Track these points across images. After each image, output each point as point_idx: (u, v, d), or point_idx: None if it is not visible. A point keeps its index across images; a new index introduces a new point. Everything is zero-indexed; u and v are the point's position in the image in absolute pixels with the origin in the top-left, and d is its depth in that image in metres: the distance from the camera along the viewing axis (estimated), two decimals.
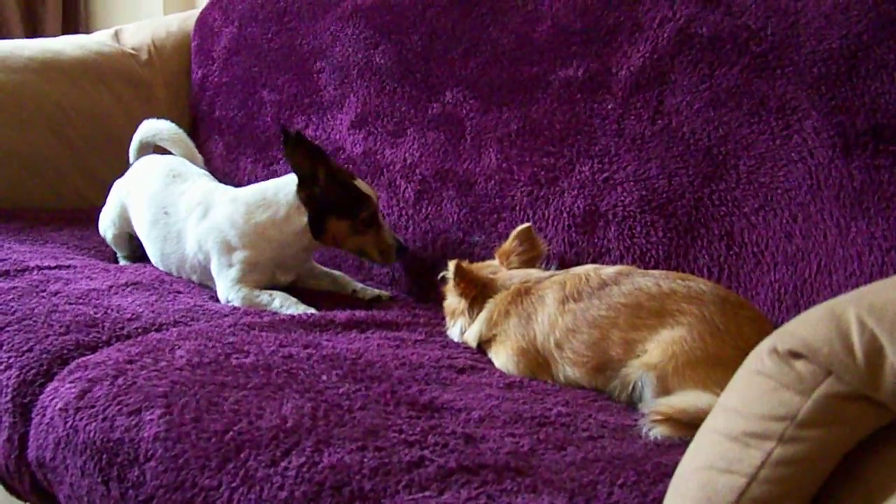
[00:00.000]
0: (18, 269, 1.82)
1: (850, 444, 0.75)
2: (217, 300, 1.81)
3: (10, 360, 1.46)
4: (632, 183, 1.66)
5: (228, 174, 2.46)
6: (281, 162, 2.37)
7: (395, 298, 1.89)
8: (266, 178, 2.30)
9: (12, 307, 1.61)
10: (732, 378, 0.80)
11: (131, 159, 2.25)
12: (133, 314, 1.61)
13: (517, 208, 1.83)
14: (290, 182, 1.79)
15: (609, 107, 1.73)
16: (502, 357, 1.49)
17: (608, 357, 1.35)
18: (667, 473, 0.90)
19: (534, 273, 1.54)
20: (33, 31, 3.81)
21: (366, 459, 1.06)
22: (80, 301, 1.65)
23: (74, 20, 3.98)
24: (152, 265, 2.01)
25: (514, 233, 1.63)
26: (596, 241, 1.69)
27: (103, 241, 2.16)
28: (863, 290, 0.76)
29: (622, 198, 1.67)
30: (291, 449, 1.09)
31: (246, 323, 1.57)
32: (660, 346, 1.29)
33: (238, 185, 2.01)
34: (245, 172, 2.45)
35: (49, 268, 1.86)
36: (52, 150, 2.48)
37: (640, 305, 1.34)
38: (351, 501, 1.01)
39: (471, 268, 1.57)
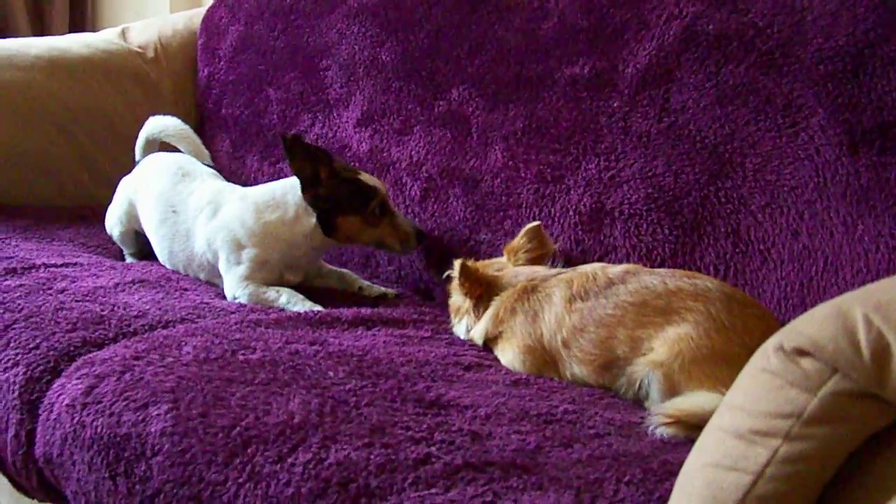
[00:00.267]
0: (25, 266, 1.82)
1: (856, 442, 0.75)
2: (224, 297, 1.81)
3: (18, 357, 1.46)
4: (638, 180, 1.66)
5: (235, 172, 2.46)
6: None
7: (400, 296, 1.89)
8: (272, 175, 2.30)
9: (19, 304, 1.61)
10: (738, 376, 0.80)
11: (137, 156, 2.24)
12: (140, 311, 1.61)
13: (523, 206, 1.82)
14: (296, 184, 1.79)
15: (615, 104, 1.73)
16: (508, 354, 1.49)
17: (615, 355, 1.35)
18: (673, 471, 0.90)
19: (540, 271, 1.54)
20: (40, 29, 3.82)
21: (372, 456, 1.06)
22: (87, 298, 1.65)
23: (81, 18, 3.98)
24: (159, 263, 2.01)
25: (523, 230, 1.64)
26: (602, 238, 1.69)
27: (110, 238, 2.16)
28: (869, 288, 0.75)
29: (628, 195, 1.67)
30: (298, 445, 1.10)
31: (252, 320, 1.57)
32: (666, 343, 1.29)
33: (245, 182, 2.01)
34: (251, 170, 2.45)
35: (56, 265, 1.86)
36: (58, 147, 2.48)
37: (647, 303, 1.34)
38: (357, 498, 1.01)
39: (476, 267, 1.57)
